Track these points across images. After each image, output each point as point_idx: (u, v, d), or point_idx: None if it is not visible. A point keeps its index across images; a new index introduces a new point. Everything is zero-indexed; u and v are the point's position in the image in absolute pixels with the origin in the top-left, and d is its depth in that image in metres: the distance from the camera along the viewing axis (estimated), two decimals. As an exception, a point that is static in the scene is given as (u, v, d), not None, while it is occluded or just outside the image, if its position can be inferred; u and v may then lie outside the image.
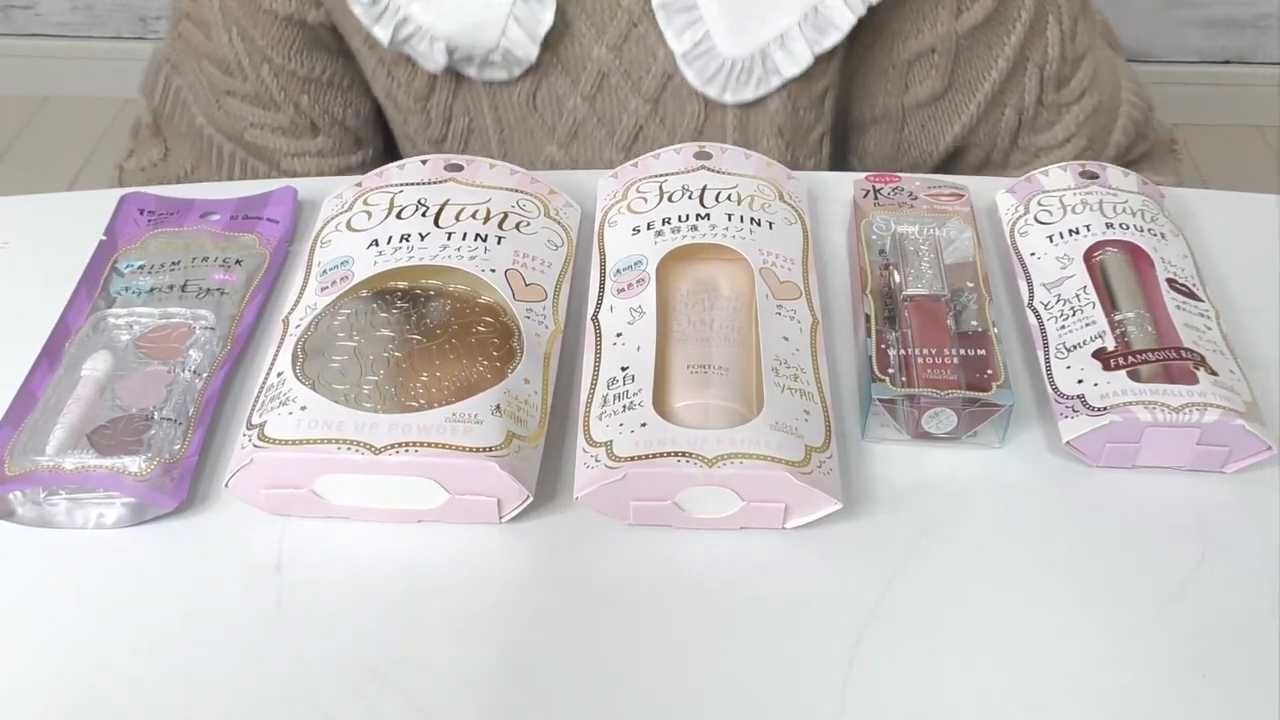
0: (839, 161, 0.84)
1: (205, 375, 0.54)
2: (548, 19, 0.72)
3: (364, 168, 0.84)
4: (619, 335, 0.52)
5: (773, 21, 0.72)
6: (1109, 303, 0.54)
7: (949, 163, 0.84)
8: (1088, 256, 0.57)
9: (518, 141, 0.80)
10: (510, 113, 0.78)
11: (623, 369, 0.51)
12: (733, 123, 0.76)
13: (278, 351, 0.52)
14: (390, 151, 0.88)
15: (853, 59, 0.78)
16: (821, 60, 0.73)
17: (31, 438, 0.51)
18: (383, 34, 0.73)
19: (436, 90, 0.79)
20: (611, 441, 0.48)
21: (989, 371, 0.51)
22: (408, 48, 0.74)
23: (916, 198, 0.60)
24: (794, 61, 0.73)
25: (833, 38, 0.72)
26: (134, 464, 0.49)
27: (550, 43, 0.73)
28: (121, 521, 0.49)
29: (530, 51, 0.73)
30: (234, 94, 0.82)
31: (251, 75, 0.80)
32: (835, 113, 0.80)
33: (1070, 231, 0.58)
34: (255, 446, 0.48)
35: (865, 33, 0.74)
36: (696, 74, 0.74)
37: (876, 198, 0.61)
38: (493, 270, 0.55)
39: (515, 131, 0.79)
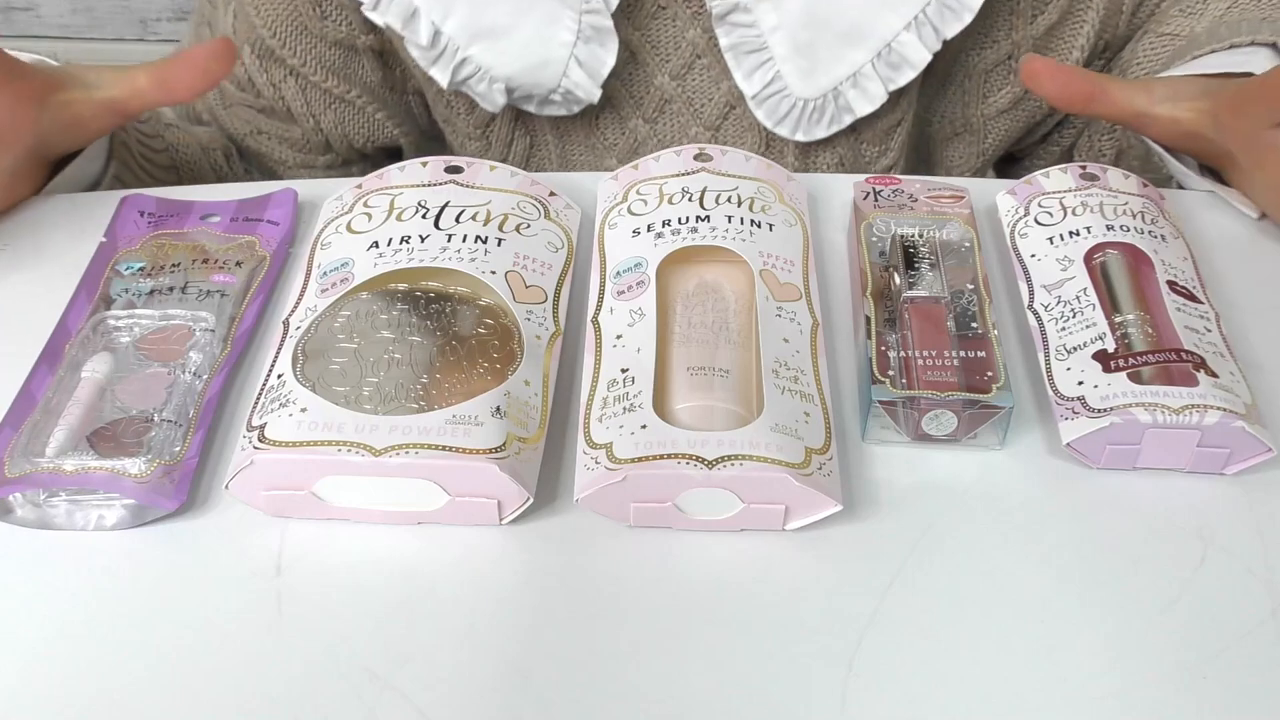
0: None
1: (205, 377, 0.54)
2: (610, 60, 0.71)
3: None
4: (619, 337, 0.52)
5: (846, 59, 0.70)
6: (1109, 305, 0.54)
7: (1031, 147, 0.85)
8: (1088, 258, 0.57)
9: (579, 155, 0.79)
10: (573, 134, 0.78)
11: (623, 371, 0.51)
12: (794, 152, 0.76)
13: (278, 353, 0.52)
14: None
15: (928, 87, 0.77)
16: (894, 95, 0.72)
17: (31, 439, 0.51)
18: (441, 76, 0.72)
19: (498, 119, 0.78)
20: (612, 443, 0.48)
21: (989, 373, 0.51)
22: (466, 88, 0.73)
23: (916, 200, 0.60)
24: (868, 100, 0.71)
25: (907, 75, 0.70)
26: (134, 466, 0.49)
27: (613, 73, 0.72)
28: (121, 523, 0.49)
29: (592, 93, 0.72)
30: (249, 105, 0.81)
31: (268, 93, 0.79)
32: (911, 138, 0.79)
33: (1071, 233, 0.58)
34: (255, 448, 0.48)
35: (939, 59, 0.72)
36: (767, 114, 0.72)
37: (877, 200, 0.61)
38: (493, 272, 0.55)
39: (578, 148, 0.78)
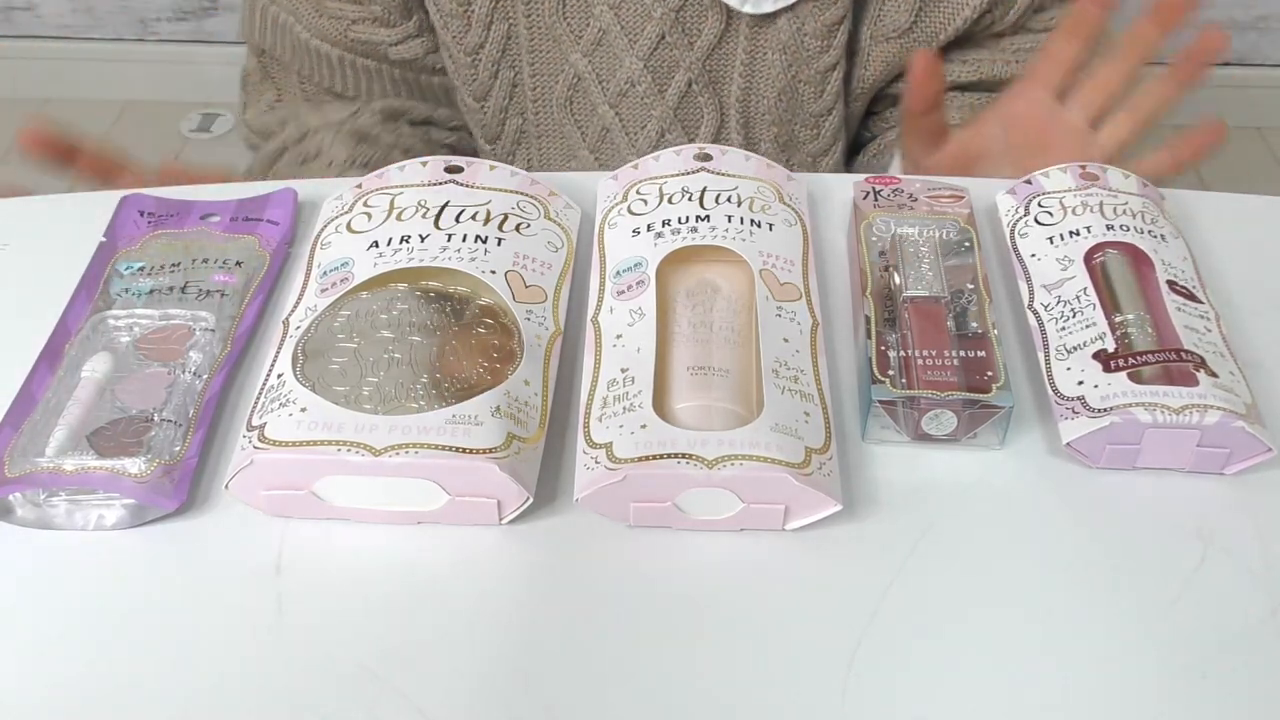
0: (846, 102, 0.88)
1: (205, 377, 0.54)
2: None
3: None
4: (619, 337, 0.52)
5: None
6: (1109, 304, 0.54)
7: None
8: (1088, 258, 0.57)
9: (546, 50, 0.83)
10: (540, 19, 0.82)
11: (623, 370, 0.51)
12: (745, 33, 0.80)
13: (278, 353, 0.52)
14: None
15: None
16: None
17: (31, 439, 0.51)
18: None
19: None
20: (611, 443, 0.48)
21: (989, 373, 0.51)
22: None
23: (916, 199, 0.60)
24: None
25: None
26: (134, 465, 0.49)
27: None
28: (121, 523, 0.49)
29: None
30: None
31: None
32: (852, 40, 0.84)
33: (1071, 233, 0.58)
34: (255, 448, 0.48)
35: None
36: None
37: (876, 199, 0.61)
38: (493, 272, 0.55)
39: (544, 39, 0.83)
